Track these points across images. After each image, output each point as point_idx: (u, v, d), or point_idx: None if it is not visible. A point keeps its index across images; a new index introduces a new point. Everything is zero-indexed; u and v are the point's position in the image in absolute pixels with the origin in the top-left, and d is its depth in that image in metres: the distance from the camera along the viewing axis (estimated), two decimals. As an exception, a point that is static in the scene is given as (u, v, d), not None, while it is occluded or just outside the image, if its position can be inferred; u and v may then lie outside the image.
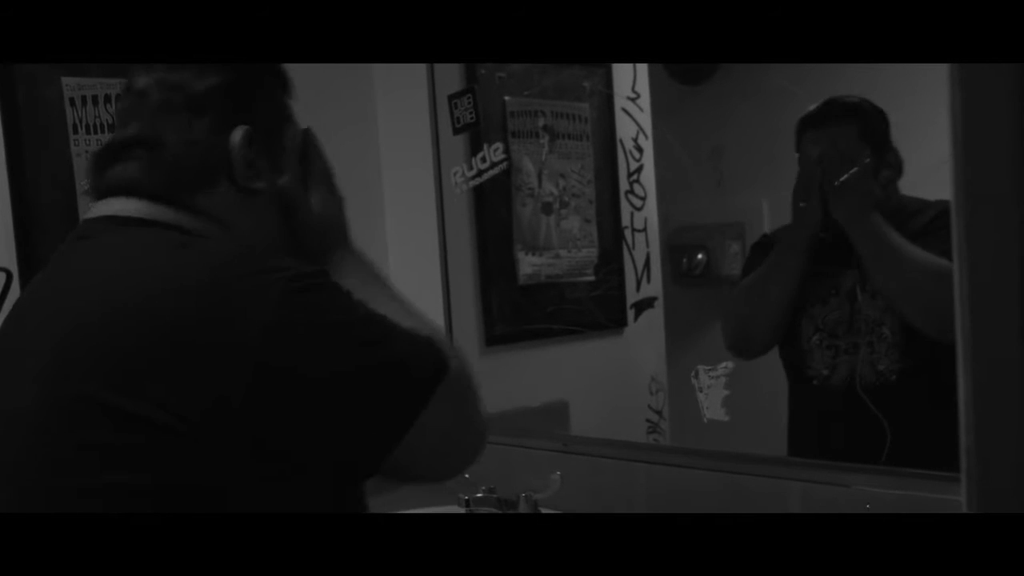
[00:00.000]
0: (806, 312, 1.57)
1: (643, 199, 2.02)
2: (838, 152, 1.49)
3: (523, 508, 1.63)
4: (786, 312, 1.58)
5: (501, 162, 1.95)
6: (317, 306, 0.87)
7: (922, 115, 1.45)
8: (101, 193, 1.00)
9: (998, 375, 0.64)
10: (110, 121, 1.73)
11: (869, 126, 1.49)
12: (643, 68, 1.96)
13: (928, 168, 1.43)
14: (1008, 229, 0.62)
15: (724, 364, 1.64)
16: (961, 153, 0.65)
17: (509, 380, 2.01)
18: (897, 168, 1.48)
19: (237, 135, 0.98)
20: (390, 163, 2.15)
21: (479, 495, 1.64)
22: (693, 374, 1.66)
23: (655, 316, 2.01)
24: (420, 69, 2.00)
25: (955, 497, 1.20)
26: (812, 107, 1.55)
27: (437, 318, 2.04)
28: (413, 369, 0.91)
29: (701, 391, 1.65)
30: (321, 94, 2.04)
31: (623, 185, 2.03)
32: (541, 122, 2.00)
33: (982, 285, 0.64)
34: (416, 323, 0.97)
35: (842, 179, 1.47)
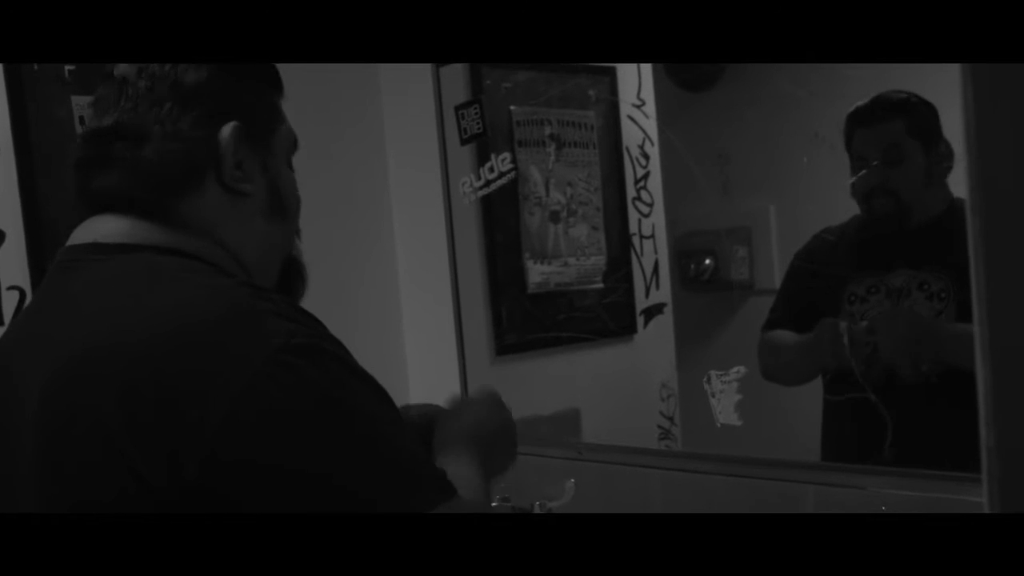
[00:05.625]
0: (844, 310, 1.57)
1: (650, 205, 2.03)
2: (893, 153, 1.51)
3: (538, 516, 1.63)
4: (814, 377, 1.62)
5: (509, 171, 1.95)
6: (294, 388, 0.77)
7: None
8: (88, 205, 0.93)
9: (1017, 371, 0.64)
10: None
11: (917, 121, 1.49)
12: (648, 75, 1.97)
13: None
14: (1025, 225, 0.63)
15: (736, 369, 1.64)
16: (975, 149, 0.65)
17: (520, 389, 2.00)
18: (949, 159, 1.47)
19: (227, 130, 0.92)
20: (398, 174, 2.15)
21: (493, 504, 1.64)
22: (705, 379, 1.66)
23: (665, 322, 2.01)
24: (427, 80, 2.01)
25: (973, 498, 1.20)
26: (861, 103, 1.54)
27: (447, 330, 2.04)
28: (404, 484, 0.80)
29: (714, 396, 1.65)
30: (329, 105, 2.06)
31: (630, 192, 2.03)
32: (547, 131, 2.00)
33: (1000, 280, 0.64)
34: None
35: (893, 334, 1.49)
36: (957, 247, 1.44)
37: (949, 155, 1.47)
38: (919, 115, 1.48)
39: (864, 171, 1.53)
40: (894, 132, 1.51)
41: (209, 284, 0.87)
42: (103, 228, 0.91)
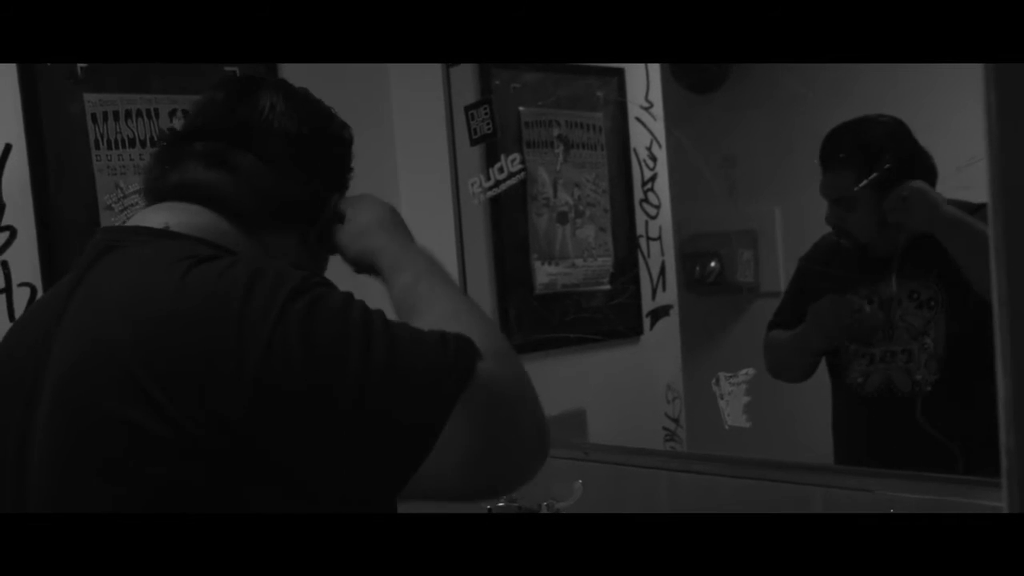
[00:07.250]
0: None
1: (657, 207, 2.03)
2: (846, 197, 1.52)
3: (545, 517, 1.63)
4: (812, 368, 1.63)
5: (518, 172, 1.95)
6: (312, 319, 0.82)
7: (941, 114, 1.45)
8: (167, 189, 0.98)
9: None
10: (131, 136, 1.74)
11: (866, 171, 1.49)
12: (656, 77, 1.97)
13: (952, 169, 1.43)
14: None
15: (745, 371, 1.64)
16: (998, 154, 0.65)
17: (527, 389, 2.00)
18: (927, 173, 1.47)
19: (335, 200, 1.03)
20: (407, 174, 2.15)
21: (501, 504, 1.64)
22: (714, 381, 1.66)
23: (671, 324, 2.02)
24: (437, 80, 2.01)
25: (989, 502, 1.20)
26: (825, 139, 1.55)
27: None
28: (424, 380, 0.82)
29: (722, 398, 1.65)
30: (338, 105, 2.05)
31: (637, 194, 2.03)
32: (556, 132, 2.01)
33: (1021, 283, 0.64)
34: (449, 320, 0.91)
35: (893, 197, 1.47)
36: (944, 256, 1.45)
37: (928, 168, 1.46)
38: (870, 164, 1.49)
39: (829, 208, 1.55)
40: (844, 182, 1.52)
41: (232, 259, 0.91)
42: (198, 219, 0.96)
